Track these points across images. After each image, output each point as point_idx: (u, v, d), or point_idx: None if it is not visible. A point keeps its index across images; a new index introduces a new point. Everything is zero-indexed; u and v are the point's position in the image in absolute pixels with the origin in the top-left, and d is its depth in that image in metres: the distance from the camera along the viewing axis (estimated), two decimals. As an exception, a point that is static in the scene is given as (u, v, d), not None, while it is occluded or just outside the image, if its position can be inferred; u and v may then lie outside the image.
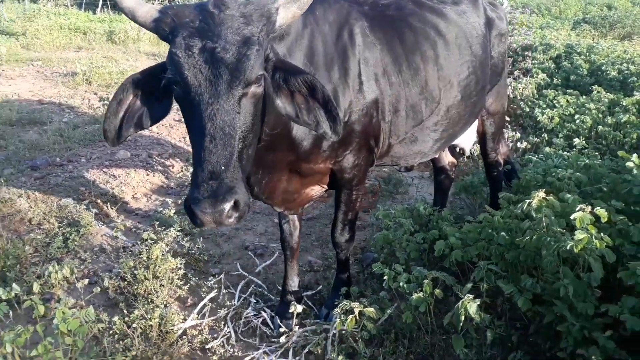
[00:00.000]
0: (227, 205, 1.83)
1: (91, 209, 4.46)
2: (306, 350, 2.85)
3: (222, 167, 1.86)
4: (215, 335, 3.04)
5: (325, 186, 2.95)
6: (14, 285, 2.81)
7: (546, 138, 5.86)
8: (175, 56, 1.91)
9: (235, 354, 2.90)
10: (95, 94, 8.57)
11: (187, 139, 6.57)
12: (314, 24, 2.53)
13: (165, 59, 2.01)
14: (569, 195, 3.02)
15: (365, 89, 2.68)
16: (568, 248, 2.44)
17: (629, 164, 3.27)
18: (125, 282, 3.44)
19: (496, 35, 3.45)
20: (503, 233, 2.98)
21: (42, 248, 3.92)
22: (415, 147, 3.09)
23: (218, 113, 1.87)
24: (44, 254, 3.85)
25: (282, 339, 2.91)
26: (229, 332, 3.05)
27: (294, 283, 3.25)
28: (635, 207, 3.02)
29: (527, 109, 6.63)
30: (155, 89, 2.12)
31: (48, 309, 2.67)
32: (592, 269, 2.44)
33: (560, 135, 5.82)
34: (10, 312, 2.91)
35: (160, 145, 6.39)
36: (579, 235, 2.43)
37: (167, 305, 3.22)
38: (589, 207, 2.58)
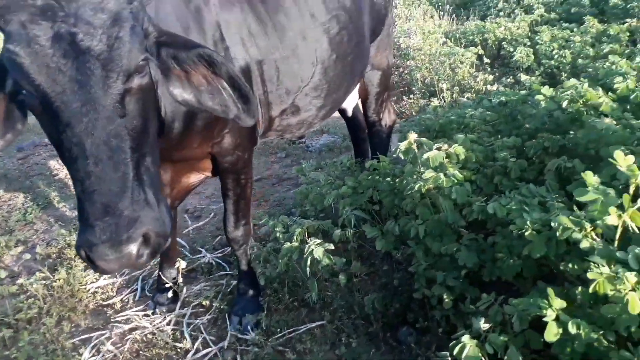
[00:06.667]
0: (134, 246, 1.42)
1: (56, 184, 4.79)
2: (197, 302, 2.98)
3: (117, 195, 1.43)
4: (121, 292, 3.23)
5: (207, 173, 2.66)
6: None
7: (521, 78, 5.54)
8: (16, 56, 1.37)
9: (135, 306, 3.08)
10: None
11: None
12: None
13: None
14: (460, 135, 2.91)
15: (232, 55, 2.36)
16: (416, 188, 2.38)
17: (539, 96, 3.09)
18: (57, 248, 3.70)
19: None
20: (388, 179, 2.94)
21: (2, 222, 4.27)
22: (299, 117, 2.83)
23: (98, 124, 1.42)
24: (4, 227, 4.19)
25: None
26: (137, 288, 3.23)
27: (170, 274, 3.02)
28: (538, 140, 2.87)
29: (511, 49, 6.26)
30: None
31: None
32: (442, 208, 2.38)
33: (537, 72, 5.48)
34: None
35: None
36: (427, 174, 2.37)
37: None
38: (446, 146, 2.49)
